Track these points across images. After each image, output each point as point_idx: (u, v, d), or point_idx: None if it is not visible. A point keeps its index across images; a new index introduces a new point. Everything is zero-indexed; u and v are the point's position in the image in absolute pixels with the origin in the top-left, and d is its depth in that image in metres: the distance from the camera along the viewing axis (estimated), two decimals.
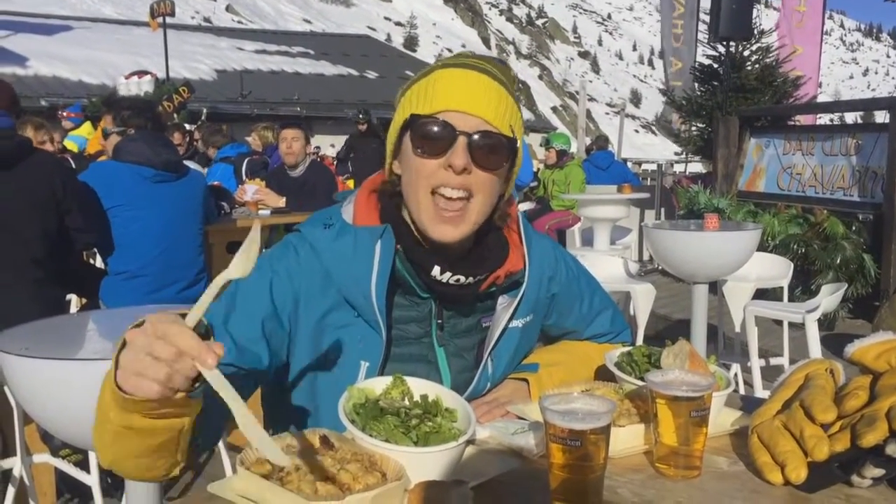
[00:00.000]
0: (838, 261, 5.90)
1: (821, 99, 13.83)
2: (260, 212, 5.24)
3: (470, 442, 1.12)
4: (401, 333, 1.34)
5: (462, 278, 1.31)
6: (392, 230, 1.30)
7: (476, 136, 1.24)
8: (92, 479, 2.75)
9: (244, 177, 6.78)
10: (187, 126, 10.88)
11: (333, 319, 1.31)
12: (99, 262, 4.98)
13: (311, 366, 1.32)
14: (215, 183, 5.67)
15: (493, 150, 1.26)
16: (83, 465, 2.90)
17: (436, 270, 1.29)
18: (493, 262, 1.36)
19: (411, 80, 1.35)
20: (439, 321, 1.37)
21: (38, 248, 3.09)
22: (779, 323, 4.60)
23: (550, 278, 1.49)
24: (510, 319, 1.41)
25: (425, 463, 1.00)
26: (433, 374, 1.36)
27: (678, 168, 17.13)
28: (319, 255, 1.31)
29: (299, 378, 1.33)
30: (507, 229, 1.42)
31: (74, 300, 4.56)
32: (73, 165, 6.39)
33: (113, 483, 3.22)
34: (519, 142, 1.31)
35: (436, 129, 1.24)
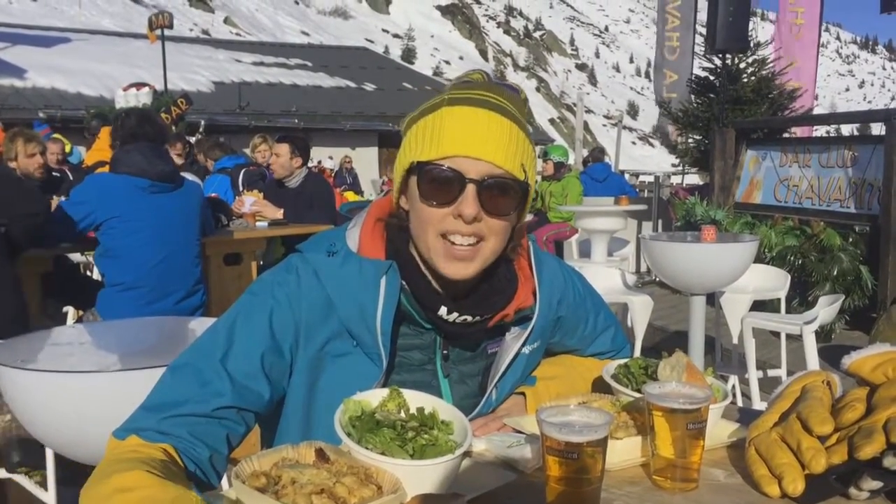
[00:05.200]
0: (835, 272, 5.91)
1: (817, 111, 13.89)
2: (258, 223, 5.24)
3: (466, 455, 1.12)
4: (403, 360, 1.31)
5: (469, 318, 1.27)
6: (397, 267, 1.26)
7: (486, 182, 1.18)
8: (49, 496, 2.71)
9: (241, 188, 6.78)
10: (186, 137, 10.89)
11: (332, 348, 1.27)
12: (96, 274, 4.98)
13: (307, 394, 1.29)
14: (213, 195, 5.67)
15: (505, 195, 1.21)
16: (42, 482, 2.86)
17: (442, 311, 1.26)
18: (501, 299, 1.31)
19: (417, 112, 1.28)
20: (444, 352, 1.34)
21: None
22: (776, 334, 4.60)
23: (559, 301, 1.44)
24: (520, 349, 1.37)
25: (422, 476, 0.99)
26: None
27: (675, 180, 17.16)
28: (323, 282, 1.26)
29: (294, 406, 1.30)
30: (517, 260, 1.37)
31: (71, 312, 4.55)
32: (71, 178, 6.41)
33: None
34: (531, 181, 1.25)
35: (443, 177, 1.19)
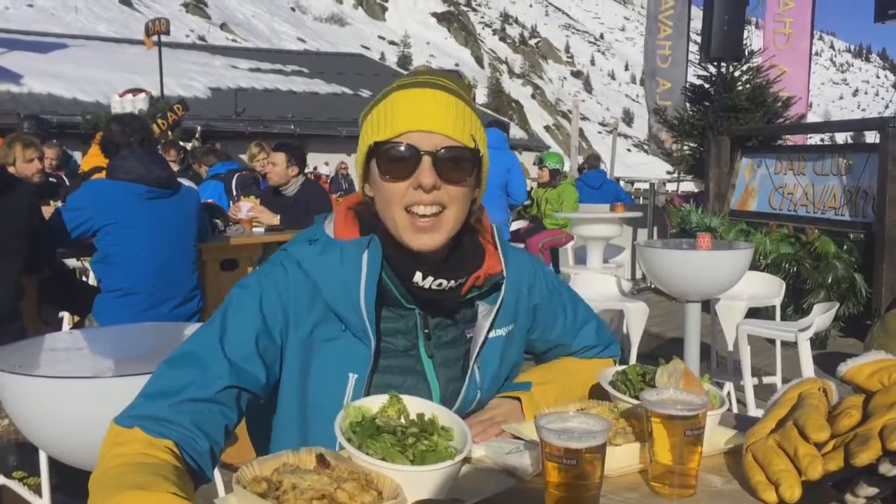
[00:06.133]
0: (830, 280, 5.93)
1: (811, 119, 13.96)
2: (254, 229, 5.24)
3: (466, 461, 1.12)
4: (388, 346, 1.35)
5: (444, 282, 1.33)
6: (378, 240, 1.33)
7: (440, 153, 1.27)
8: (43, 503, 2.71)
9: (234, 192, 6.77)
10: (181, 143, 10.89)
11: (321, 333, 1.32)
12: (92, 279, 4.97)
13: (300, 380, 1.32)
14: (209, 201, 5.67)
15: (459, 164, 1.29)
16: (36, 488, 2.85)
17: (417, 276, 1.32)
18: (471, 264, 1.39)
19: (370, 104, 1.37)
20: (426, 331, 1.38)
21: None
22: (771, 342, 4.61)
23: (530, 288, 1.51)
24: (491, 326, 1.43)
25: (422, 481, 1.00)
26: (422, 385, 1.37)
27: (670, 187, 17.20)
28: (306, 270, 1.32)
29: (288, 393, 1.34)
30: (482, 237, 1.45)
31: (67, 318, 4.54)
32: (67, 183, 6.40)
33: None
34: (482, 150, 1.34)
35: (399, 152, 1.27)
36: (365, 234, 1.35)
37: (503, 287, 1.42)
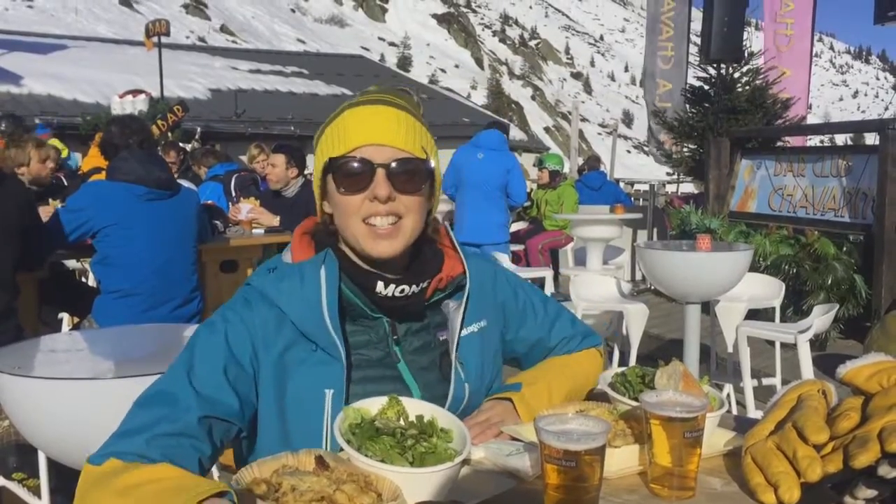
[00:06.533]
0: (829, 281, 5.93)
1: (811, 120, 13.94)
2: (254, 231, 5.24)
3: (465, 462, 1.12)
4: (362, 357, 1.37)
5: (406, 287, 1.36)
6: (333, 254, 1.36)
7: (393, 165, 1.32)
8: None
9: (233, 192, 6.77)
10: (181, 144, 10.89)
11: (292, 356, 1.33)
12: (91, 281, 4.97)
13: (277, 404, 1.33)
14: (209, 202, 5.67)
15: (412, 174, 1.34)
16: (36, 489, 2.85)
17: (380, 286, 1.35)
18: (431, 268, 1.42)
19: (324, 123, 1.42)
20: (395, 337, 1.40)
21: None
22: (771, 343, 4.61)
23: (493, 286, 1.55)
24: (463, 322, 1.44)
25: (421, 483, 1.00)
26: (403, 391, 1.36)
27: (670, 188, 17.19)
28: (270, 300, 1.35)
29: (267, 419, 1.34)
30: (440, 244, 1.49)
31: (66, 319, 4.54)
32: (66, 184, 6.40)
33: None
34: (434, 161, 1.39)
35: (354, 166, 1.32)
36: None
37: (467, 285, 1.45)
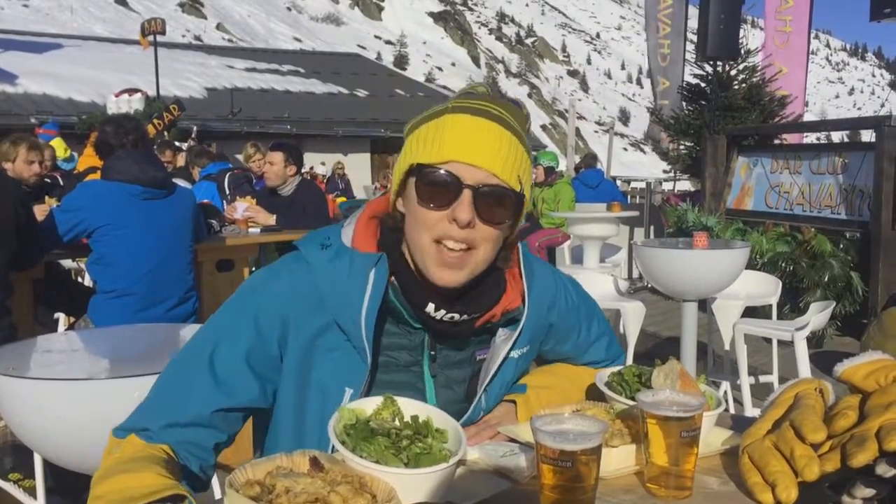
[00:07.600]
0: (826, 279, 5.94)
1: (807, 118, 13.95)
2: (250, 230, 5.23)
3: (461, 463, 1.12)
4: (390, 360, 1.32)
5: (456, 316, 1.29)
6: (387, 260, 1.29)
7: (482, 189, 1.21)
8: None
9: (227, 190, 6.76)
10: (177, 143, 10.88)
11: (324, 341, 1.29)
12: (87, 280, 4.96)
13: (298, 389, 1.31)
14: (205, 201, 5.65)
15: (500, 205, 1.23)
16: (32, 490, 2.85)
17: (430, 307, 1.27)
18: (489, 300, 1.33)
19: (421, 117, 1.31)
20: (432, 352, 1.35)
21: None
22: (768, 341, 4.62)
23: (550, 307, 1.45)
24: (509, 351, 1.38)
25: (416, 484, 0.99)
26: None
27: (667, 186, 17.21)
28: (315, 275, 1.28)
29: (286, 401, 1.32)
30: (507, 270, 1.39)
31: (62, 319, 4.53)
32: (62, 184, 6.38)
33: None
34: (526, 194, 1.27)
35: (441, 181, 1.21)
36: (382, 249, 1.31)
37: (523, 318, 1.37)
